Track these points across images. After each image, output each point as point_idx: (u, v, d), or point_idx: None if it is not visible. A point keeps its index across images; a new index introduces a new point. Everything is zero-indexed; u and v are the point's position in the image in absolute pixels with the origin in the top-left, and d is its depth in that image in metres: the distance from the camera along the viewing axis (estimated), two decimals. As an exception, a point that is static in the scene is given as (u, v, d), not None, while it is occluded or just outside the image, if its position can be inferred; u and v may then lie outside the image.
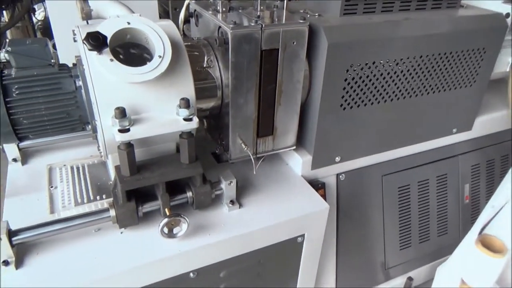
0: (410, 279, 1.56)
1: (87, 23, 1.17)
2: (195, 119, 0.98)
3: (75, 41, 1.09)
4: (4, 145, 1.21)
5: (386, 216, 1.53)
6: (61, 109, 0.97)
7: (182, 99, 0.97)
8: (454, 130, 1.55)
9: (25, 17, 3.03)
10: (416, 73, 1.30)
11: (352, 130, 1.30)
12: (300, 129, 1.26)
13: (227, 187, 1.11)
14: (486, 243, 1.12)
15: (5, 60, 0.92)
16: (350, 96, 1.22)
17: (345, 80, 1.18)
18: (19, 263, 0.93)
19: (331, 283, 1.48)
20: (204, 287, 1.11)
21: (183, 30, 1.36)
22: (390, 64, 1.23)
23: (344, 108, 1.23)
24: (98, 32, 0.84)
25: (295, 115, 1.21)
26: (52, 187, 1.17)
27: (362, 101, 1.25)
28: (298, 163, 1.30)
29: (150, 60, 0.93)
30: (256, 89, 1.10)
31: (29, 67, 0.93)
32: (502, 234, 1.13)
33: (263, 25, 1.02)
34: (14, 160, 1.26)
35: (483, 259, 1.11)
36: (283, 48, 1.07)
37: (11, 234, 0.92)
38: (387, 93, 1.28)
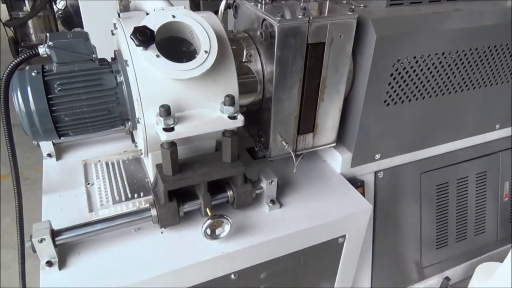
0: (447, 279, 1.52)
1: (119, 15, 1.12)
2: (240, 117, 0.94)
3: (113, 34, 1.06)
4: (40, 141, 1.19)
5: (423, 215, 1.48)
6: (102, 106, 0.93)
7: (227, 96, 0.92)
8: (497, 126, 1.49)
9: (46, 6, 3.02)
10: (464, 66, 1.23)
11: (393, 126, 1.25)
12: (340, 126, 1.21)
13: (268, 186, 1.07)
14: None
15: (45, 55, 0.88)
16: (394, 91, 1.16)
17: (391, 75, 1.12)
18: (62, 264, 0.91)
19: (366, 283, 1.44)
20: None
21: (220, 22, 1.31)
22: (439, 57, 1.16)
23: (388, 104, 1.18)
24: (145, 27, 0.79)
25: (337, 111, 1.16)
26: (89, 184, 1.14)
27: (407, 97, 1.19)
28: (338, 160, 1.25)
29: (194, 55, 0.89)
30: (300, 84, 1.05)
31: (71, 63, 0.89)
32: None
33: (311, 18, 0.96)
34: (49, 155, 1.24)
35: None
36: (330, 42, 1.02)
37: (54, 234, 0.90)
38: (432, 88, 1.22)
